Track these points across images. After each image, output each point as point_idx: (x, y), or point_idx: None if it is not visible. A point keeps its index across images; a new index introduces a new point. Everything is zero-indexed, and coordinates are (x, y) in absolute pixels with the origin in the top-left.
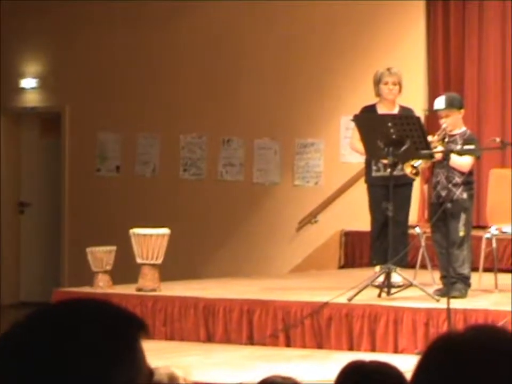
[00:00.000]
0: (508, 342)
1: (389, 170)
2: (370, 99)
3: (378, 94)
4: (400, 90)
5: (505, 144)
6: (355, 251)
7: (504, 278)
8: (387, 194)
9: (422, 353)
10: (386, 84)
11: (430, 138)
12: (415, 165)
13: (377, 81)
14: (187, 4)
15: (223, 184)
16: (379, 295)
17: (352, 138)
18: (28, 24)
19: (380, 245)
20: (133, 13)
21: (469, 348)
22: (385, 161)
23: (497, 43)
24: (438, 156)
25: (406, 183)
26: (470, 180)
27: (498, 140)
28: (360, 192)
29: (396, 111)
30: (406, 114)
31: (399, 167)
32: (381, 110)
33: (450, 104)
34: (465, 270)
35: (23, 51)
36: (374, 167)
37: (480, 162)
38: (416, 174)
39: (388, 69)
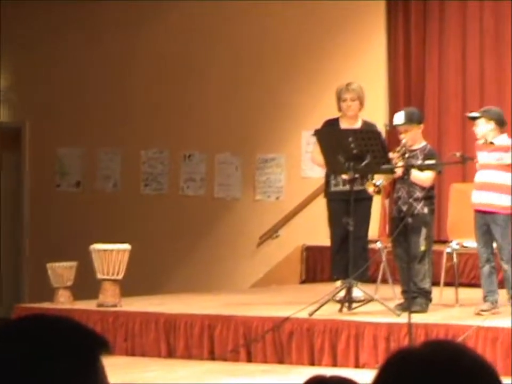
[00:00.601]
0: (464, 357)
1: (347, 185)
2: (331, 114)
3: (340, 109)
4: (360, 106)
5: (466, 159)
6: (316, 266)
7: (464, 292)
8: (347, 208)
9: (379, 367)
10: (345, 100)
11: (390, 154)
12: (376, 183)
13: (338, 98)
14: (146, 16)
15: (184, 199)
16: (340, 310)
17: (313, 152)
18: None
19: (340, 259)
20: (91, 28)
21: (425, 363)
22: (345, 176)
23: (458, 57)
24: (399, 171)
25: (366, 198)
26: (431, 194)
27: (458, 154)
28: (321, 207)
29: (358, 125)
30: (367, 129)
31: (358, 181)
32: (343, 124)
33: (409, 119)
34: (426, 284)
35: None
36: (333, 182)
37: (441, 176)
38: (378, 192)
39: (347, 85)
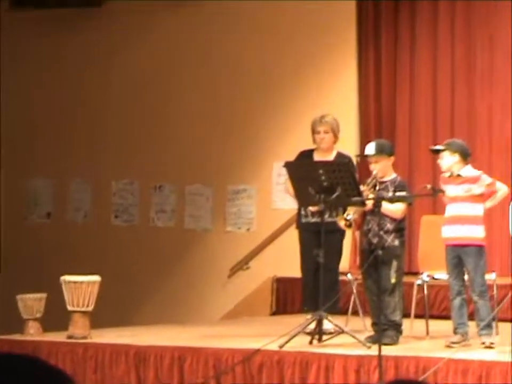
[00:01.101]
0: None
1: (316, 217)
2: (303, 145)
3: (314, 141)
4: (334, 138)
5: (436, 191)
6: (287, 297)
7: (435, 324)
8: (318, 240)
9: None
10: (318, 133)
11: (361, 187)
12: (347, 217)
13: (312, 130)
14: (117, 48)
15: (155, 230)
16: (310, 342)
17: (286, 183)
18: None
19: (311, 291)
20: (62, 56)
21: None
22: (312, 208)
23: (429, 89)
24: (370, 204)
25: (337, 230)
26: (401, 226)
27: (429, 186)
28: (292, 238)
29: (332, 157)
30: (337, 162)
31: (328, 213)
32: (317, 156)
33: (380, 151)
34: (396, 316)
35: None
36: (303, 213)
37: (412, 209)
38: (349, 226)
39: (321, 117)
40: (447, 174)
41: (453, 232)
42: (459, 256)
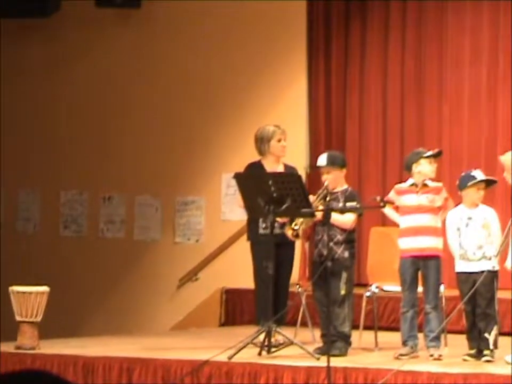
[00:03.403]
0: None
1: (275, 229)
2: (252, 156)
3: (265, 151)
4: None
5: (386, 203)
6: (236, 309)
7: (384, 336)
8: (271, 252)
9: None
10: (279, 141)
11: (311, 198)
12: (295, 227)
13: (268, 139)
14: (68, 57)
15: (104, 241)
16: (259, 354)
17: (237, 195)
18: None
19: (265, 303)
20: (14, 64)
21: None
22: (280, 220)
23: (378, 101)
24: (319, 215)
25: (290, 242)
26: (351, 238)
27: (379, 198)
28: (241, 249)
29: (281, 168)
30: (287, 173)
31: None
32: (268, 167)
33: (332, 162)
34: (345, 328)
35: None
36: (262, 225)
37: (361, 220)
38: (297, 236)
39: (277, 126)
40: (409, 183)
41: (413, 244)
42: (418, 268)
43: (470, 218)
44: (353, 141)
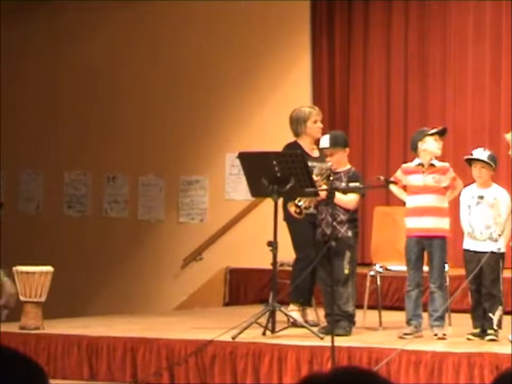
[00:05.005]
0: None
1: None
2: (256, 136)
3: (301, 132)
4: None
5: (389, 182)
6: (240, 288)
7: (388, 315)
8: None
9: None
10: (315, 122)
11: (314, 177)
12: (298, 204)
13: (304, 119)
14: (70, 37)
15: (108, 221)
16: (263, 333)
17: None
18: None
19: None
20: (11, 49)
21: None
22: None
23: (382, 82)
24: (323, 194)
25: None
26: (354, 217)
27: (382, 178)
28: (245, 229)
29: (315, 151)
30: (291, 152)
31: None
32: (305, 147)
33: (334, 143)
34: (349, 307)
35: None
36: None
37: (365, 200)
38: (300, 213)
39: (313, 107)
40: (416, 163)
41: (419, 224)
42: (423, 248)
43: (481, 197)
44: (357, 120)
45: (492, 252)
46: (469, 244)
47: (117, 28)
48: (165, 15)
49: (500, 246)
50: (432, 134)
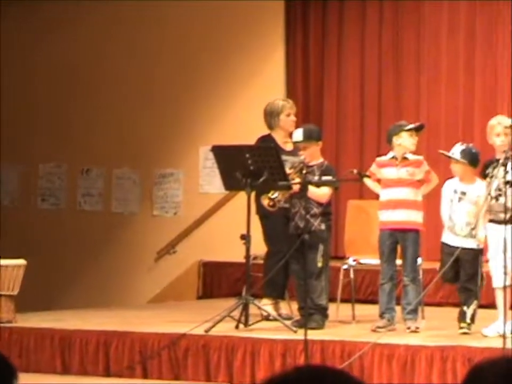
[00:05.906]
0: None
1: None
2: (229, 129)
3: (274, 125)
4: None
5: (363, 176)
6: (213, 282)
7: (361, 308)
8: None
9: None
10: (289, 115)
11: (288, 170)
12: (272, 197)
13: (277, 113)
14: (48, 28)
15: (82, 214)
16: (237, 327)
17: None
18: None
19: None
20: None
21: None
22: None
23: (356, 76)
24: (296, 187)
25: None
26: (328, 210)
27: (355, 171)
28: (219, 222)
29: (289, 144)
30: (264, 145)
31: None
32: (278, 141)
33: (308, 137)
34: (323, 301)
35: None
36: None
37: (338, 193)
38: (273, 206)
39: (287, 101)
40: (390, 156)
41: (392, 217)
42: (396, 241)
43: (464, 193)
44: (331, 114)
45: (470, 249)
46: (448, 238)
47: (95, 23)
48: (141, 11)
49: (478, 242)
50: (408, 130)
